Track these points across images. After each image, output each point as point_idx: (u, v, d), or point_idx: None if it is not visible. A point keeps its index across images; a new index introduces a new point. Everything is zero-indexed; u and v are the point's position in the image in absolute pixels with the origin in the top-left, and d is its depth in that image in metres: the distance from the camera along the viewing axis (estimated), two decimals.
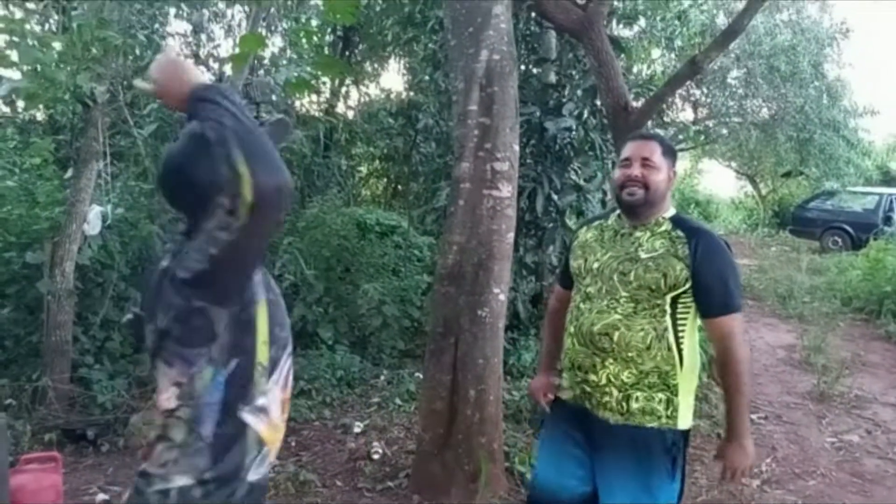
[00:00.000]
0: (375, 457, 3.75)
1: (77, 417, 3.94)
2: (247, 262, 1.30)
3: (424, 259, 6.96)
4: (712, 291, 1.94)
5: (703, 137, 14.95)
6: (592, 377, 2.00)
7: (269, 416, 1.37)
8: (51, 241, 4.06)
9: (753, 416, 4.70)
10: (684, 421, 1.99)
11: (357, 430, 4.15)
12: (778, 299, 8.79)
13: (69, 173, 4.58)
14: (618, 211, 2.15)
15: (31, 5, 4.85)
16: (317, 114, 9.29)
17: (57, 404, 3.91)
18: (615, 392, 1.97)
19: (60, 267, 4.03)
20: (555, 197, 5.35)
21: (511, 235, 3.22)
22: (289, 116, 1.52)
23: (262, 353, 1.34)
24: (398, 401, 4.61)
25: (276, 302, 1.38)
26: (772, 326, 7.58)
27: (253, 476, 1.35)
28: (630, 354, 1.95)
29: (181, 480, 1.29)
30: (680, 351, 1.97)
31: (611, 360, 1.97)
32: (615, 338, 1.96)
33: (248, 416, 1.33)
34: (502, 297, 3.20)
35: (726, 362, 1.97)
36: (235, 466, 1.33)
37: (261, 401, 1.35)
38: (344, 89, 10.83)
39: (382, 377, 5.14)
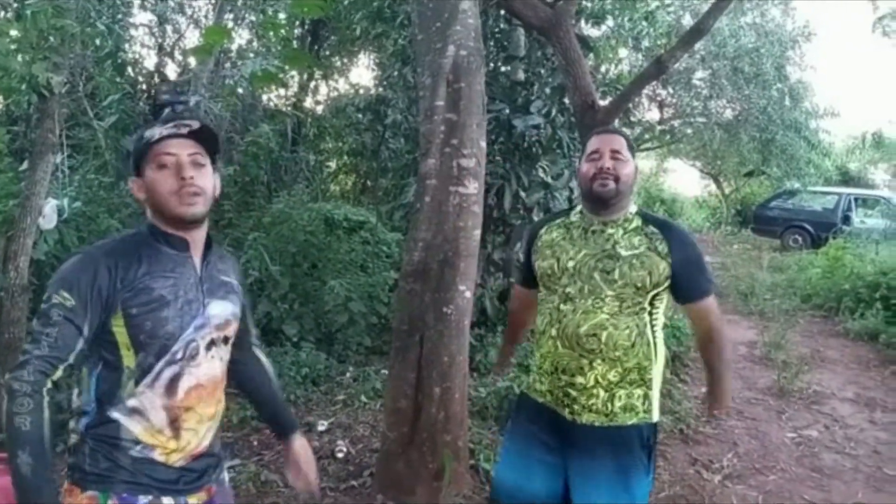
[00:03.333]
0: (340, 455, 3.70)
1: None
2: None
3: (393, 255, 6.90)
4: (694, 278, 2.02)
5: (668, 137, 15.18)
6: (579, 379, 1.97)
7: (146, 419, 1.43)
8: (4, 236, 3.94)
9: (715, 412, 4.76)
10: (656, 413, 2.03)
11: (321, 428, 4.10)
12: (739, 296, 8.94)
13: (24, 165, 4.44)
14: (579, 208, 2.14)
15: None
16: (284, 108, 9.18)
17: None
18: (602, 393, 1.96)
19: (14, 262, 3.90)
20: (522, 194, 5.36)
21: (477, 232, 3.20)
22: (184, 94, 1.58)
23: (128, 359, 1.43)
24: (364, 398, 4.57)
25: (142, 314, 1.41)
26: (733, 323, 7.70)
27: (134, 453, 1.43)
28: (617, 354, 1.95)
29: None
30: (655, 345, 2.00)
31: (599, 361, 1.95)
32: (603, 338, 1.94)
33: (116, 414, 1.42)
34: (468, 294, 3.18)
35: (712, 338, 2.10)
36: (110, 465, 1.42)
37: (131, 402, 1.42)
38: (312, 84, 10.72)
39: (348, 374, 5.08)
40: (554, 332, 2.01)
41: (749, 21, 12.64)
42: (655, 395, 2.02)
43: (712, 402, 2.20)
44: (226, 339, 1.58)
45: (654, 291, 1.97)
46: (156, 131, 1.46)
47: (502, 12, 5.47)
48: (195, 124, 1.49)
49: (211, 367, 1.52)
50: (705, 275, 2.07)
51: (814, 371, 5.82)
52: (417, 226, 3.16)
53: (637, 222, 2.03)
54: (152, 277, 1.43)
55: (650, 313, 1.99)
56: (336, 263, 6.15)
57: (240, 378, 1.78)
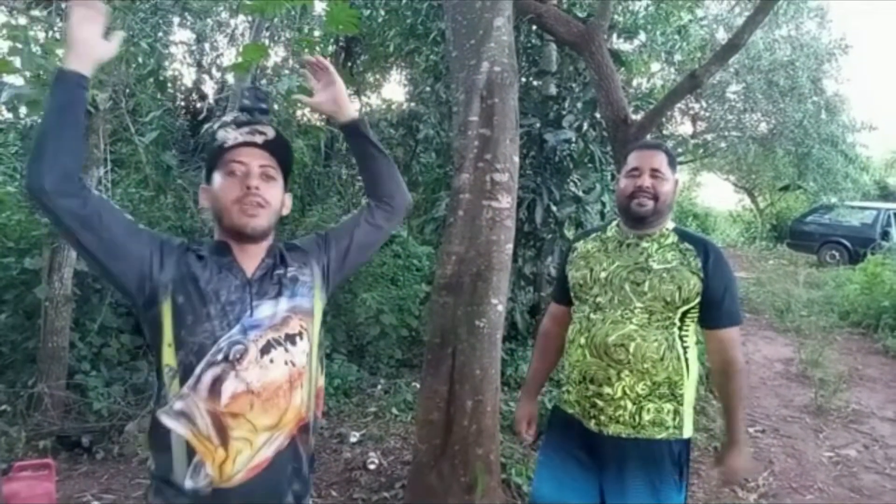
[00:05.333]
0: (371, 467, 3.74)
1: (72, 424, 3.93)
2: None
3: (423, 269, 6.95)
4: (721, 304, 1.97)
5: (701, 151, 15.03)
6: (607, 390, 1.97)
7: (193, 424, 1.36)
8: (50, 247, 4.06)
9: (751, 430, 4.69)
10: (688, 429, 2.01)
11: (353, 439, 4.14)
12: (775, 312, 8.80)
13: None
14: (616, 221, 2.15)
15: (35, 13, 4.88)
16: (318, 123, 9.32)
17: (52, 411, 3.89)
18: (629, 405, 1.96)
19: (59, 273, 4.02)
20: (554, 208, 5.36)
21: (510, 246, 3.22)
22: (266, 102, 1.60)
23: (168, 356, 1.38)
24: (395, 410, 4.60)
25: (186, 305, 1.38)
26: (769, 340, 7.58)
27: (190, 483, 1.37)
28: (645, 366, 1.94)
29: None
30: (687, 361, 1.98)
31: (627, 372, 1.95)
32: (631, 349, 1.94)
33: (165, 419, 1.36)
34: (500, 307, 3.19)
35: (729, 372, 2.01)
36: (166, 469, 1.39)
37: (178, 405, 1.36)
38: None
39: (379, 386, 5.13)
40: (583, 340, 2.02)
41: (784, 34, 12.49)
42: (687, 411, 2.00)
43: (726, 457, 2.05)
44: (292, 339, 1.48)
45: (685, 307, 1.95)
46: (230, 136, 1.46)
47: (534, 28, 5.50)
48: (270, 133, 1.48)
49: (266, 372, 1.41)
50: (734, 302, 2.00)
51: (852, 389, 5.70)
52: (451, 239, 3.19)
53: (673, 238, 2.03)
54: (203, 270, 1.42)
55: (680, 328, 1.98)
56: (367, 276, 6.21)
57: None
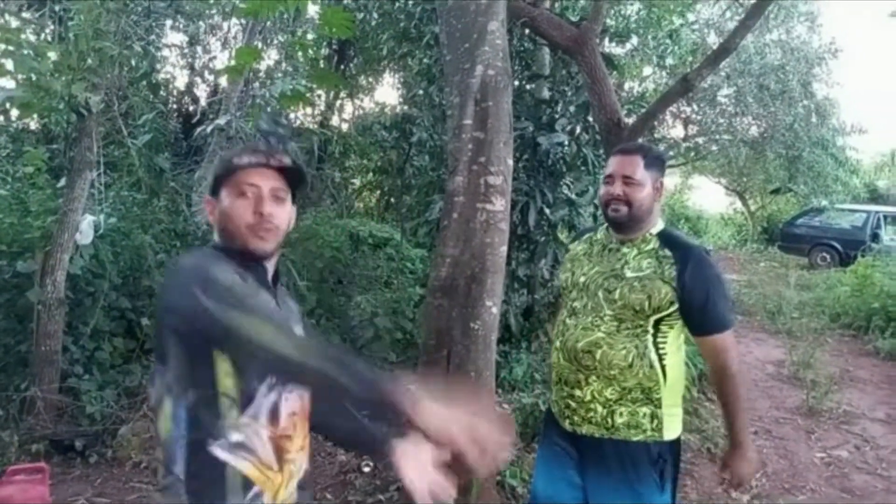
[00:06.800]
0: (366, 470, 3.73)
1: (65, 428, 3.91)
2: None
3: (417, 271, 6.96)
4: (703, 311, 1.93)
5: (693, 154, 15.09)
6: (577, 392, 2.01)
7: (253, 453, 1.30)
8: (42, 251, 4.04)
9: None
10: (670, 432, 1.99)
11: None
12: (767, 314, 8.84)
13: (62, 182, 4.57)
14: (606, 224, 2.17)
15: (26, 15, 4.87)
16: (311, 126, 9.33)
17: (45, 415, 3.87)
18: (599, 408, 1.98)
19: (51, 276, 4.00)
20: (547, 211, 5.38)
21: (504, 249, 3.23)
22: (284, 127, 1.52)
23: (225, 384, 1.28)
24: None
25: None
26: (761, 341, 7.62)
27: None
28: (612, 372, 1.95)
29: None
30: (663, 367, 1.97)
31: (594, 377, 1.98)
32: (598, 356, 1.96)
33: (220, 453, 1.27)
34: (495, 310, 3.20)
35: (723, 378, 1.98)
36: (213, 500, 1.28)
37: (235, 437, 1.28)
38: (339, 102, 10.89)
39: None
40: (558, 343, 2.07)
41: (775, 38, 12.56)
42: (668, 413, 1.98)
43: (729, 460, 2.06)
44: None
45: (657, 316, 1.94)
46: (244, 158, 1.39)
47: (527, 32, 5.52)
48: (286, 161, 1.41)
49: (300, 392, 1.41)
50: (719, 308, 1.94)
51: (843, 391, 5.73)
52: (445, 242, 3.20)
53: (653, 244, 2.01)
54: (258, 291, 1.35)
55: (654, 336, 1.96)
56: (361, 279, 6.23)
57: None
